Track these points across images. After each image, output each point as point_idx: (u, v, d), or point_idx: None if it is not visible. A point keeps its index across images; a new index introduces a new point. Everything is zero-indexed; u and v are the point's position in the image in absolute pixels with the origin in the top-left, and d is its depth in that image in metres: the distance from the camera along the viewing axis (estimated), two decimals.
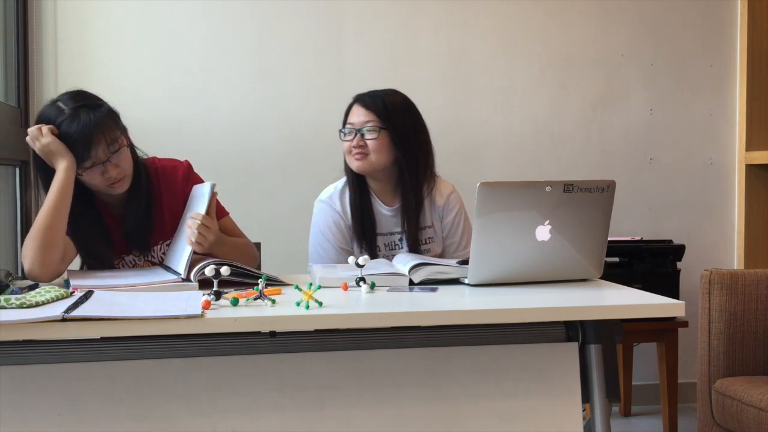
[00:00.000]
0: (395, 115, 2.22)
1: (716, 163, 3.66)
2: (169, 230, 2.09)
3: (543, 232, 1.75)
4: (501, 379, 1.63)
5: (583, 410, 1.66)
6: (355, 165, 2.22)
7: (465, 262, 1.84)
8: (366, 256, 1.75)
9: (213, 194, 1.93)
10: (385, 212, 2.29)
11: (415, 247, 2.26)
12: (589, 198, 1.76)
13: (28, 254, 1.84)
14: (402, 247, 2.28)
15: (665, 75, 3.61)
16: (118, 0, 3.23)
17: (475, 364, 1.62)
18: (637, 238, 3.36)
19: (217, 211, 2.07)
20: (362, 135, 2.20)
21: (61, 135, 1.89)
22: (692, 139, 3.64)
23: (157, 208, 2.09)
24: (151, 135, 3.19)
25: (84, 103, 1.93)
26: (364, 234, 2.26)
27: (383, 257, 2.26)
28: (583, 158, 3.56)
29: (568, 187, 1.74)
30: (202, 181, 2.15)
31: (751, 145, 3.57)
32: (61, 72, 3.19)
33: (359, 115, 2.22)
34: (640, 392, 3.56)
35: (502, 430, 1.61)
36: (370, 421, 1.57)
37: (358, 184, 2.29)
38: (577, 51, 3.54)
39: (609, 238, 1.86)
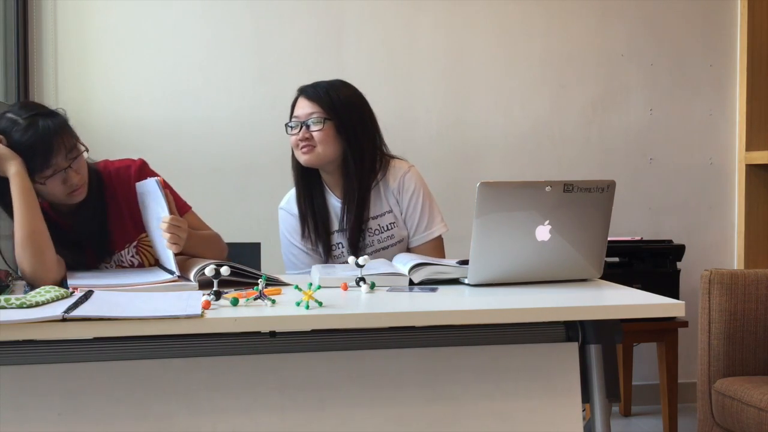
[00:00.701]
0: (339, 105, 2.17)
1: (716, 163, 3.66)
2: (133, 232, 2.07)
3: (543, 232, 1.75)
4: (501, 379, 1.62)
5: (583, 410, 1.66)
6: (303, 158, 2.19)
7: (465, 262, 1.84)
8: (366, 257, 1.75)
9: (165, 190, 1.89)
10: (341, 206, 2.24)
11: (356, 240, 2.20)
12: (589, 198, 1.76)
13: (26, 264, 1.80)
14: (363, 239, 2.23)
15: (665, 75, 3.61)
16: (118, 0, 3.23)
17: (475, 364, 1.62)
18: (637, 238, 3.36)
19: (179, 206, 2.05)
20: (308, 127, 2.17)
21: (18, 145, 1.83)
22: (692, 139, 3.64)
23: (115, 213, 2.05)
24: (151, 135, 3.22)
25: (37, 111, 1.88)
26: (317, 232, 2.22)
27: (348, 253, 2.21)
28: (583, 158, 3.56)
29: (568, 187, 1.74)
30: (157, 176, 2.10)
31: (751, 145, 3.57)
32: (61, 72, 3.19)
33: (304, 108, 2.19)
34: (640, 392, 3.56)
35: (502, 430, 1.61)
36: (370, 421, 1.57)
37: (307, 181, 2.25)
38: (577, 51, 3.54)
39: (609, 238, 1.85)
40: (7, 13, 3.07)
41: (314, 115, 2.16)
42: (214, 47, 3.31)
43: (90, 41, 3.22)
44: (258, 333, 1.53)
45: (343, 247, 2.24)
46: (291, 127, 2.21)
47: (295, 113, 2.21)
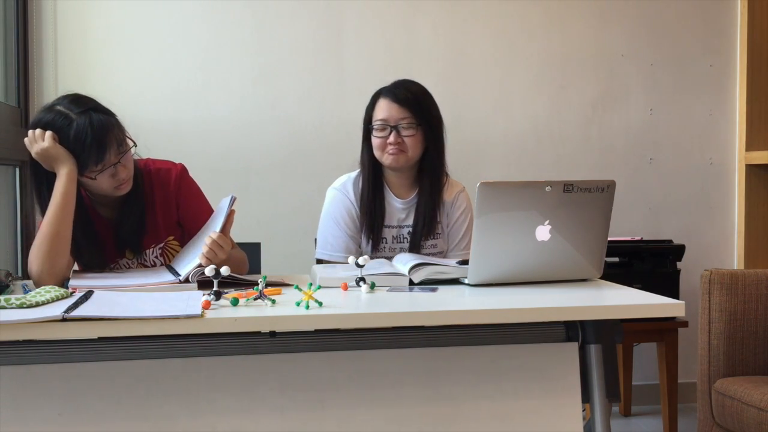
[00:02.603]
0: (426, 110, 2.23)
1: (716, 163, 3.66)
2: (162, 233, 2.08)
3: (543, 232, 1.75)
4: (501, 379, 1.63)
5: (583, 410, 1.66)
6: (389, 160, 2.21)
7: (465, 262, 1.84)
8: (366, 257, 1.75)
9: (231, 210, 1.89)
10: (398, 205, 2.29)
11: (417, 241, 2.26)
12: (589, 198, 1.76)
13: (36, 262, 1.80)
14: (409, 240, 2.28)
15: (665, 75, 3.61)
16: (118, 0, 3.23)
17: (475, 364, 1.62)
18: (637, 238, 3.36)
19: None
20: (398, 131, 2.19)
21: (71, 140, 1.84)
22: (692, 139, 3.64)
23: (150, 212, 2.06)
24: (151, 135, 3.21)
25: (88, 106, 1.88)
26: (372, 226, 2.26)
27: (389, 249, 2.27)
28: (583, 158, 3.56)
29: (568, 187, 1.74)
30: (195, 185, 2.14)
31: (751, 145, 3.57)
32: (61, 72, 3.19)
33: (392, 110, 2.21)
34: (640, 392, 3.56)
35: (502, 430, 1.61)
36: (370, 421, 1.57)
37: (374, 177, 2.28)
38: (576, 51, 3.54)
39: (609, 238, 1.86)
40: (7, 13, 3.07)
41: (405, 120, 2.20)
42: (214, 47, 3.31)
43: (90, 41, 3.22)
44: (258, 333, 1.53)
45: (386, 242, 2.28)
46: (376, 128, 2.23)
47: (382, 116, 2.22)
